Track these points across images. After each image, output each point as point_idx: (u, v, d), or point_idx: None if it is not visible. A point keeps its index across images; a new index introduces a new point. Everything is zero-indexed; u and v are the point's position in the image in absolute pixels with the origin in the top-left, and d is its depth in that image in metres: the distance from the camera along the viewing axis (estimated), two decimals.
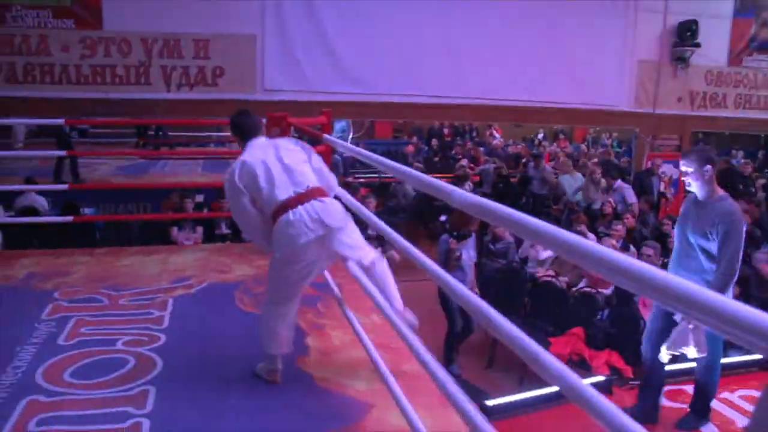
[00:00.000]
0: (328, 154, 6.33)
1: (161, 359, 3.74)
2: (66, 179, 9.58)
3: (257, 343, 3.60)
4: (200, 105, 9.45)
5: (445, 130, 20.06)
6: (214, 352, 3.95)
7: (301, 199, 3.29)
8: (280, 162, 3.39)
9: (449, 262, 6.97)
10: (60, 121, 6.70)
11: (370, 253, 3.53)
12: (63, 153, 7.60)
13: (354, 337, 4.03)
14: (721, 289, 4.25)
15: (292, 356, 3.79)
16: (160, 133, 14.16)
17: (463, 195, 2.17)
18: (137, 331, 4.19)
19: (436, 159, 17.21)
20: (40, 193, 8.01)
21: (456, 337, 7.19)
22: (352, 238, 3.43)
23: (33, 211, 7.67)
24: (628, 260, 1.26)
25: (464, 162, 14.30)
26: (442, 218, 9.40)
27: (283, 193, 3.30)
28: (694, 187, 4.41)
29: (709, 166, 4.32)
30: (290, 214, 3.25)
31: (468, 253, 7.23)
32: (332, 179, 3.70)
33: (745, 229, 4.41)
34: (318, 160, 3.62)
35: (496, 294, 7.54)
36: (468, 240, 7.19)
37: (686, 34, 11.61)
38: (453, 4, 10.38)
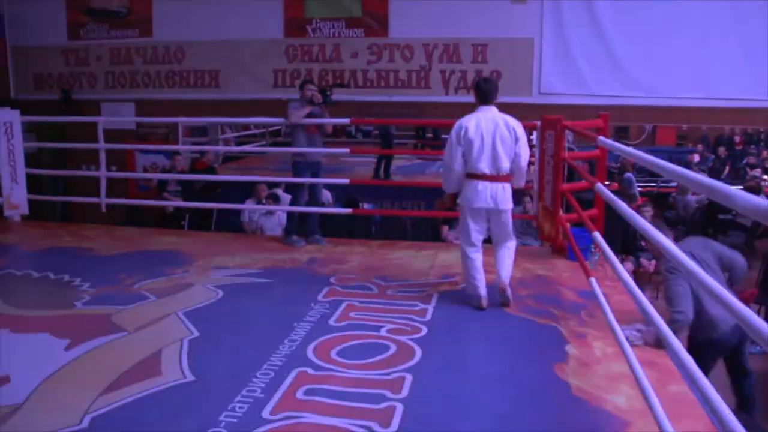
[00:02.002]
0: (603, 158, 6.03)
1: (421, 350, 3.79)
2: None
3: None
4: None
5: (737, 138, 18.15)
6: (472, 349, 3.93)
7: (491, 178, 4.47)
8: (493, 144, 4.43)
9: None
10: (346, 120, 7.16)
11: (512, 241, 4.75)
12: (346, 150, 8.17)
13: (616, 350, 3.74)
14: None
15: (550, 362, 3.64)
16: (430, 136, 14.57)
17: (752, 200, 1.82)
18: (401, 320, 4.29)
19: (724, 169, 15.65)
20: (327, 187, 8.63)
21: None
22: (504, 223, 4.63)
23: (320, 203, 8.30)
24: None
25: (757, 173, 12.80)
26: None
27: (484, 167, 4.45)
28: None
29: None
30: (479, 185, 4.48)
31: None
32: (524, 164, 4.61)
33: None
34: (522, 147, 4.53)
35: None
36: None
37: None
38: None
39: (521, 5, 9.58)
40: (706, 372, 3.96)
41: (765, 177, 13.06)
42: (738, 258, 4.52)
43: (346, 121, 6.96)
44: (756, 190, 10.69)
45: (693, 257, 3.90)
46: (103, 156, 7.39)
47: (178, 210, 8.68)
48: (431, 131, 14.53)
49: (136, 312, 4.42)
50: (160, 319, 4.26)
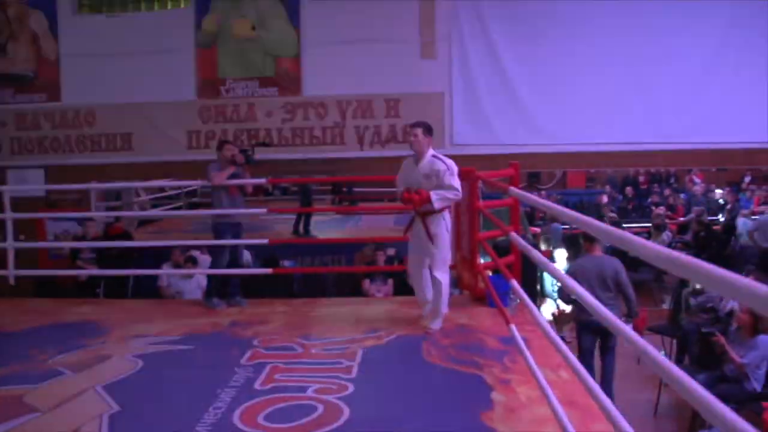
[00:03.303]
0: (516, 207, 6.21)
1: (348, 408, 3.78)
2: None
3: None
4: (392, 162, 9.73)
5: (641, 178, 19.07)
6: (400, 403, 3.93)
7: None
8: None
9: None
10: (262, 180, 7.15)
11: None
12: (263, 210, 8.08)
13: (541, 393, 3.84)
14: None
15: (477, 410, 3.69)
16: (345, 189, 14.75)
17: (651, 247, 1.97)
18: (327, 379, 4.27)
19: (631, 207, 16.40)
20: (246, 246, 8.53)
21: None
22: None
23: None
24: None
25: (661, 210, 13.45)
26: None
27: None
28: None
29: None
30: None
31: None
32: None
33: None
34: None
35: (699, 353, 6.88)
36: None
37: None
38: (644, 45, 9.94)
39: (431, 61, 9.91)
40: (591, 344, 6.43)
41: (669, 213, 13.75)
42: (627, 286, 6.44)
43: (263, 181, 6.97)
44: (661, 227, 11.23)
45: (578, 272, 6.35)
46: (9, 226, 7.11)
47: (92, 278, 8.40)
48: (345, 185, 14.71)
49: (51, 389, 4.24)
50: (77, 396, 4.10)
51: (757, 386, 5.98)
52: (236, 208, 6.49)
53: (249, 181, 6.56)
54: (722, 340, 6.16)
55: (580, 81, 9.98)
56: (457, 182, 5.17)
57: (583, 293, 2.83)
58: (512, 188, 4.97)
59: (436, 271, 5.27)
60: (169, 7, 10.56)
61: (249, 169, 6.56)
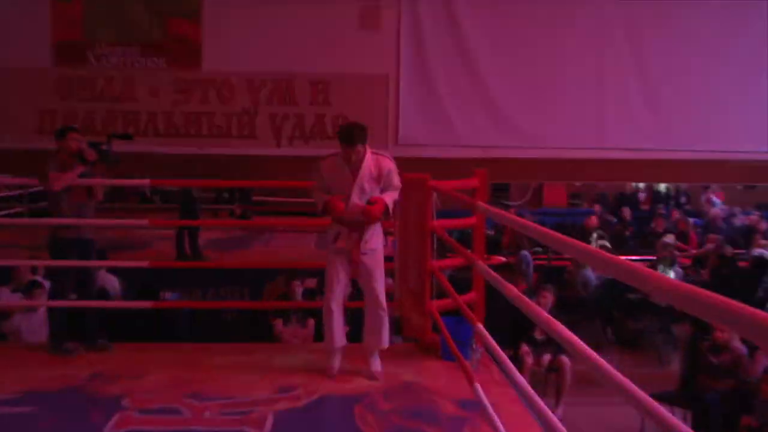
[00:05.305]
0: (481, 227, 6.22)
1: None
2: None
3: None
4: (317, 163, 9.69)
5: (641, 195, 19.54)
6: None
7: None
8: None
9: None
10: (145, 181, 7.00)
11: None
12: (144, 222, 7.84)
13: None
14: None
15: None
16: (225, 195, 14.70)
17: (665, 280, 1.99)
18: None
19: (629, 234, 16.71)
20: (112, 270, 8.34)
21: None
22: None
23: (101, 293, 7.94)
24: None
25: (670, 239, 13.74)
26: None
27: None
28: None
29: None
30: None
31: None
32: None
33: None
34: None
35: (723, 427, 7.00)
36: None
37: None
38: (648, 35, 10.20)
39: (373, 32, 9.88)
40: None
41: (679, 243, 14.01)
42: None
43: (144, 182, 6.82)
44: (669, 260, 11.43)
45: None
46: None
47: None
48: (238, 191, 14.71)
49: None
50: None
51: None
52: (84, 219, 6.28)
53: (130, 182, 6.40)
54: None
55: (565, 73, 10.14)
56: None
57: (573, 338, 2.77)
58: (480, 203, 4.97)
59: (380, 294, 5.53)
60: None
61: (102, 169, 6.34)
